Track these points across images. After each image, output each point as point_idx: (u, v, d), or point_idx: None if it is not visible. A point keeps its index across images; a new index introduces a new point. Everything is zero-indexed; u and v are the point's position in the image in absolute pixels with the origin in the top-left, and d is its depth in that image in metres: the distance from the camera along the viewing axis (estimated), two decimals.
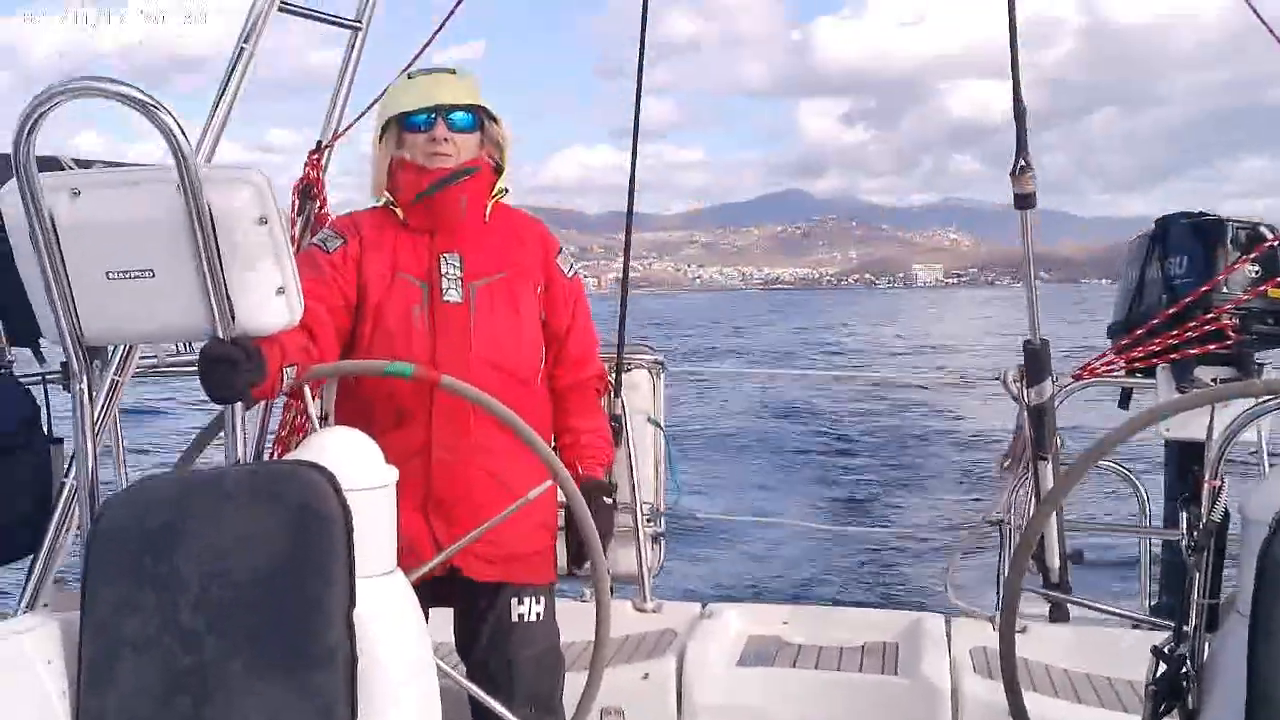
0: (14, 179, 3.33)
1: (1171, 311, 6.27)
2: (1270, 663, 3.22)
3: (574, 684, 4.51)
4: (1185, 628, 3.78)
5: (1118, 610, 5.72)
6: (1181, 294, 6.32)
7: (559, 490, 4.20)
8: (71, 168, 4.80)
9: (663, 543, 7.10)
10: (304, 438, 4.34)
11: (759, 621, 6.68)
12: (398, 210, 4.54)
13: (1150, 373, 6.43)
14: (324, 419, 4.08)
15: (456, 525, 4.32)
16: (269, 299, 3.52)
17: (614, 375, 6.43)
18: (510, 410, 4.00)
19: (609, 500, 4.69)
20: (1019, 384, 6.20)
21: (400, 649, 3.59)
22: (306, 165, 5.91)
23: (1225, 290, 6.20)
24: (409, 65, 5.11)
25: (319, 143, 5.97)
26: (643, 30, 6.85)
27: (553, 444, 4.65)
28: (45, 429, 5.37)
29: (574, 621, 4.93)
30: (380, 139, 4.56)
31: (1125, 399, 6.97)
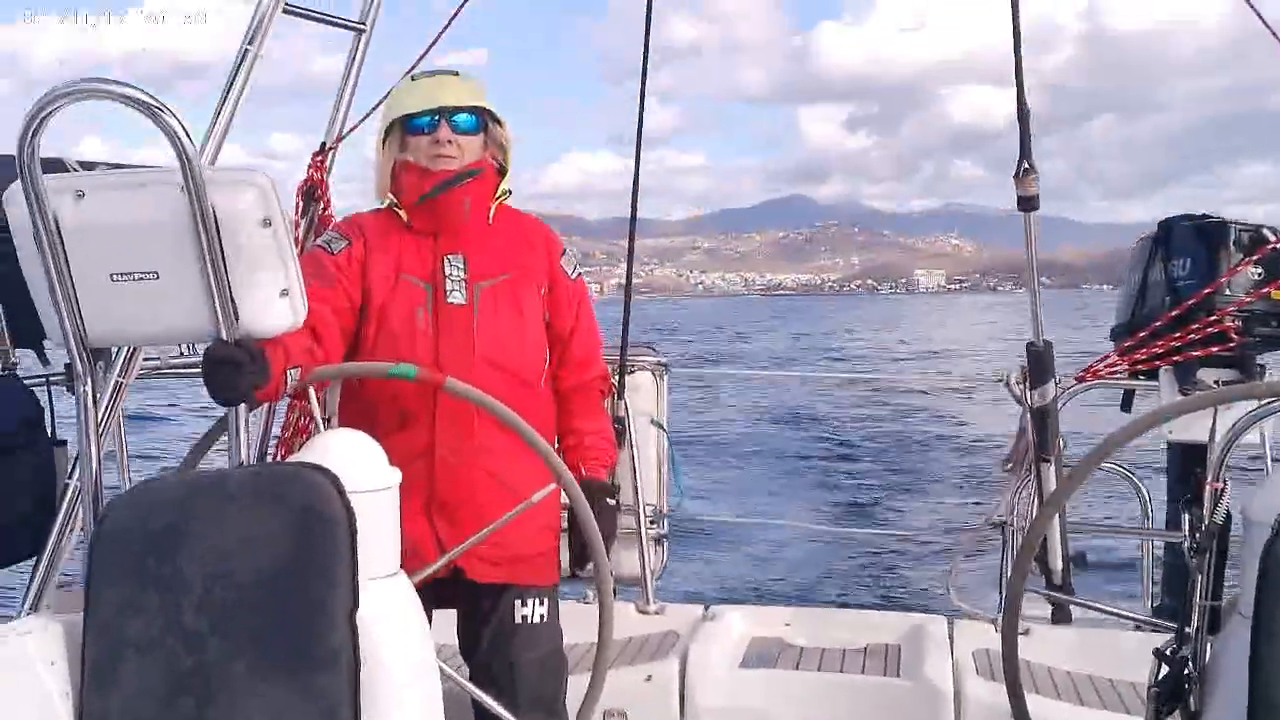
0: (19, 181, 3.33)
1: (1174, 314, 6.28)
2: (1272, 664, 3.22)
3: (577, 686, 4.52)
4: (1187, 629, 3.78)
5: (1120, 611, 5.72)
6: (1184, 296, 6.32)
7: (562, 492, 4.20)
8: (76, 170, 4.80)
9: (665, 545, 7.11)
10: (307, 439, 4.34)
11: (761, 623, 6.68)
12: (401, 212, 4.54)
13: (1153, 375, 6.44)
14: (328, 421, 4.08)
15: (460, 527, 4.32)
16: (273, 301, 3.52)
17: (617, 377, 6.43)
18: (514, 413, 4.00)
19: (612, 502, 4.69)
20: (1022, 386, 6.20)
21: (403, 651, 3.59)
22: (310, 167, 5.91)
23: (1228, 292, 6.21)
24: (412, 68, 5.12)
25: (323, 144, 5.97)
26: (646, 37, 6.87)
27: (556, 445, 4.65)
28: (49, 431, 5.38)
29: (577, 623, 4.92)
30: (384, 141, 4.56)
31: (1128, 401, 6.97)
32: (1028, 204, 5.83)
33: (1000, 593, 6.36)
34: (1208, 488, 3.87)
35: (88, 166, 5.03)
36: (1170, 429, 5.94)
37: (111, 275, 3.44)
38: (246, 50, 5.20)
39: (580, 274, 4.79)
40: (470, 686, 4.24)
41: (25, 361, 5.62)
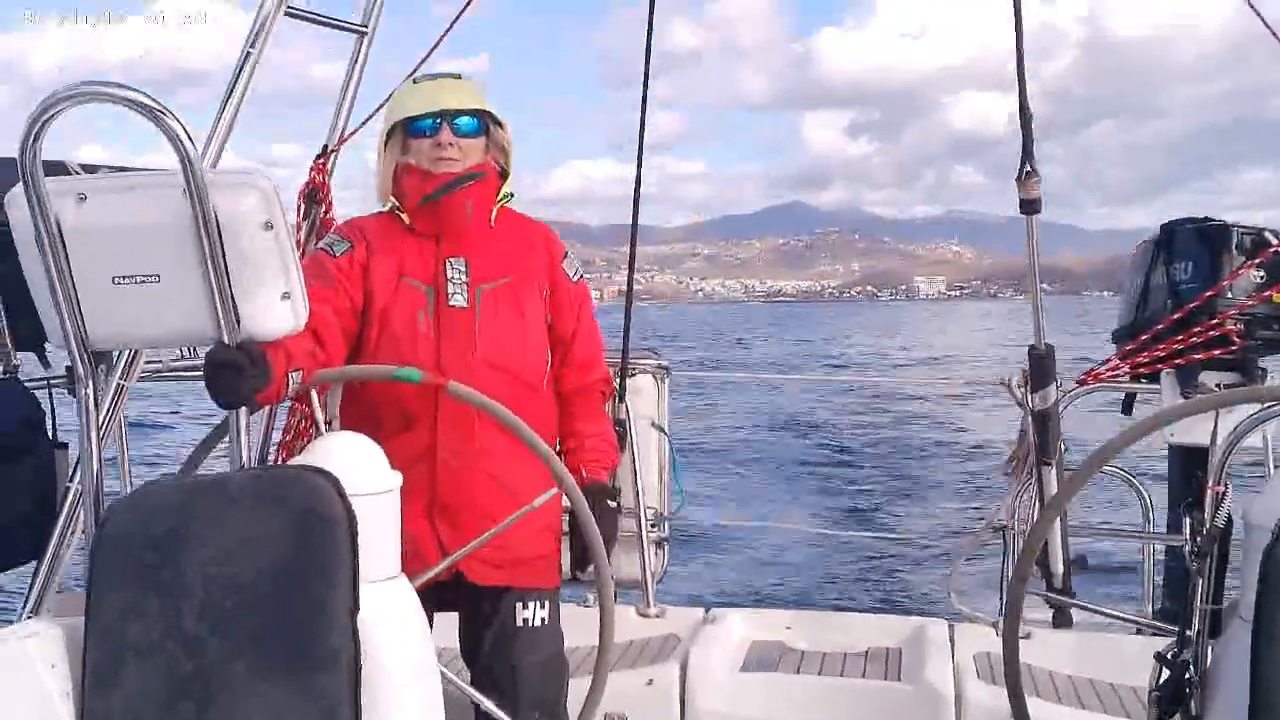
0: (21, 184, 3.33)
1: (1176, 317, 6.28)
2: (1273, 668, 3.22)
3: (577, 689, 4.51)
4: (1188, 633, 3.78)
5: (1121, 615, 5.72)
6: (1186, 299, 6.32)
7: (564, 495, 4.20)
8: (78, 173, 4.80)
9: (666, 548, 7.10)
10: (308, 442, 4.34)
11: (762, 627, 6.68)
12: (403, 215, 4.54)
13: (1154, 378, 6.43)
14: (329, 423, 4.09)
15: (461, 530, 4.32)
16: (274, 304, 3.52)
17: (618, 380, 6.43)
18: (516, 416, 4.00)
19: (613, 504, 4.69)
20: (1023, 389, 6.20)
21: (404, 654, 3.59)
22: (312, 170, 5.92)
23: (1230, 295, 6.20)
24: (413, 72, 5.12)
25: (325, 147, 5.98)
26: (648, 45, 6.87)
27: (557, 448, 4.65)
28: (50, 433, 5.38)
29: (577, 627, 4.92)
30: (385, 144, 4.56)
31: (1129, 404, 6.97)
32: (1030, 207, 5.83)
33: (1001, 596, 6.36)
34: (1209, 491, 3.87)
35: (89, 169, 5.03)
36: (1171, 432, 5.94)
37: (113, 278, 3.45)
38: (249, 53, 5.20)
39: (582, 276, 4.79)
40: (470, 690, 4.24)
41: (26, 364, 5.62)
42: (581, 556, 4.44)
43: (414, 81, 4.65)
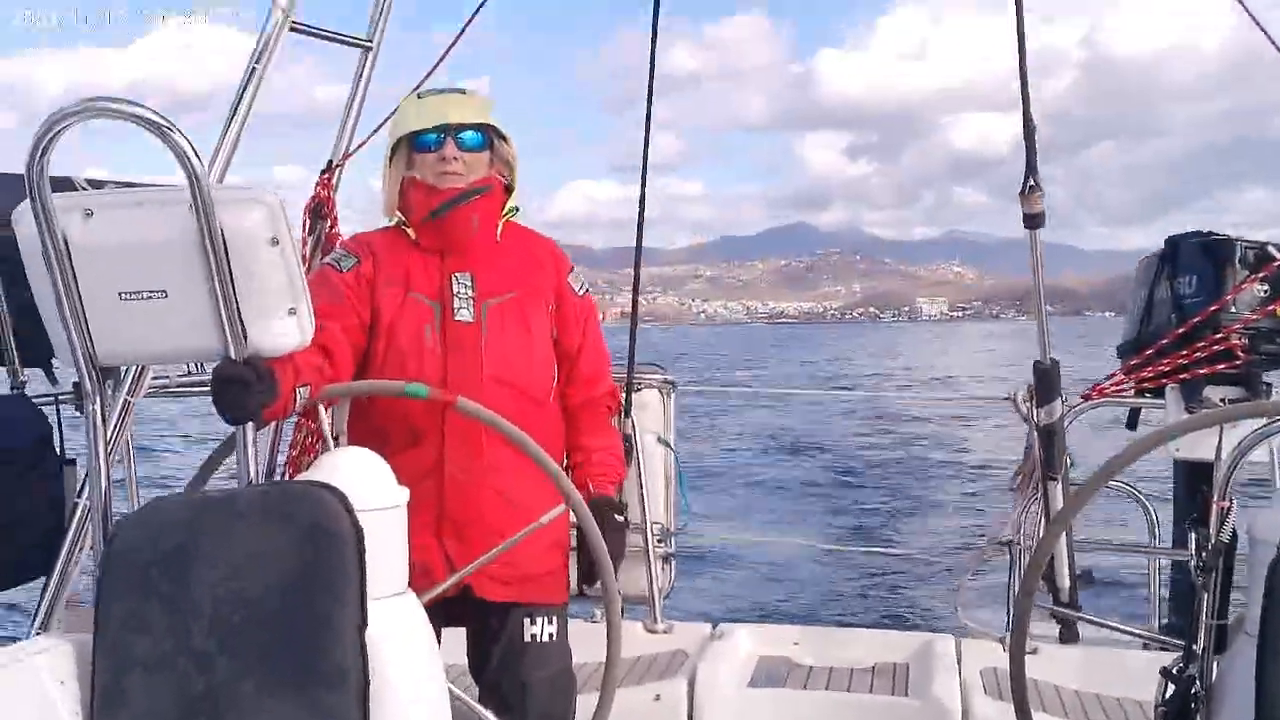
0: (28, 199, 3.34)
1: (1180, 331, 6.27)
2: (1278, 683, 3.23)
3: (584, 706, 4.51)
4: (1194, 648, 3.78)
5: (1127, 629, 5.72)
6: (1191, 313, 6.31)
7: (571, 511, 4.19)
8: (84, 188, 4.81)
9: (673, 563, 7.10)
10: (315, 458, 4.34)
11: (770, 642, 6.68)
12: (409, 230, 4.54)
13: (1159, 393, 6.43)
14: (336, 439, 4.09)
15: (469, 545, 4.32)
16: (281, 319, 3.52)
17: (624, 395, 6.43)
18: (523, 433, 4.00)
19: (620, 519, 4.68)
20: (1029, 404, 6.20)
21: (411, 670, 3.59)
22: (317, 185, 5.92)
23: (1234, 310, 6.20)
24: (416, 87, 5.13)
25: (330, 162, 5.98)
26: (651, 65, 6.88)
27: (564, 463, 4.65)
28: (58, 449, 5.38)
29: (584, 642, 4.91)
30: (390, 159, 4.56)
31: (1134, 419, 6.96)
32: (1033, 221, 5.83)
33: (1008, 611, 6.36)
34: (1214, 506, 3.87)
35: (96, 185, 5.04)
36: (1177, 447, 5.93)
37: (120, 294, 3.45)
38: (254, 69, 5.20)
39: (588, 290, 4.78)
40: (478, 706, 4.23)
41: (34, 381, 5.63)
42: (589, 572, 4.42)
43: (418, 96, 4.65)
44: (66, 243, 3.39)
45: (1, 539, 5.00)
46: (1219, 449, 4.08)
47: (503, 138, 4.61)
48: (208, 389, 3.54)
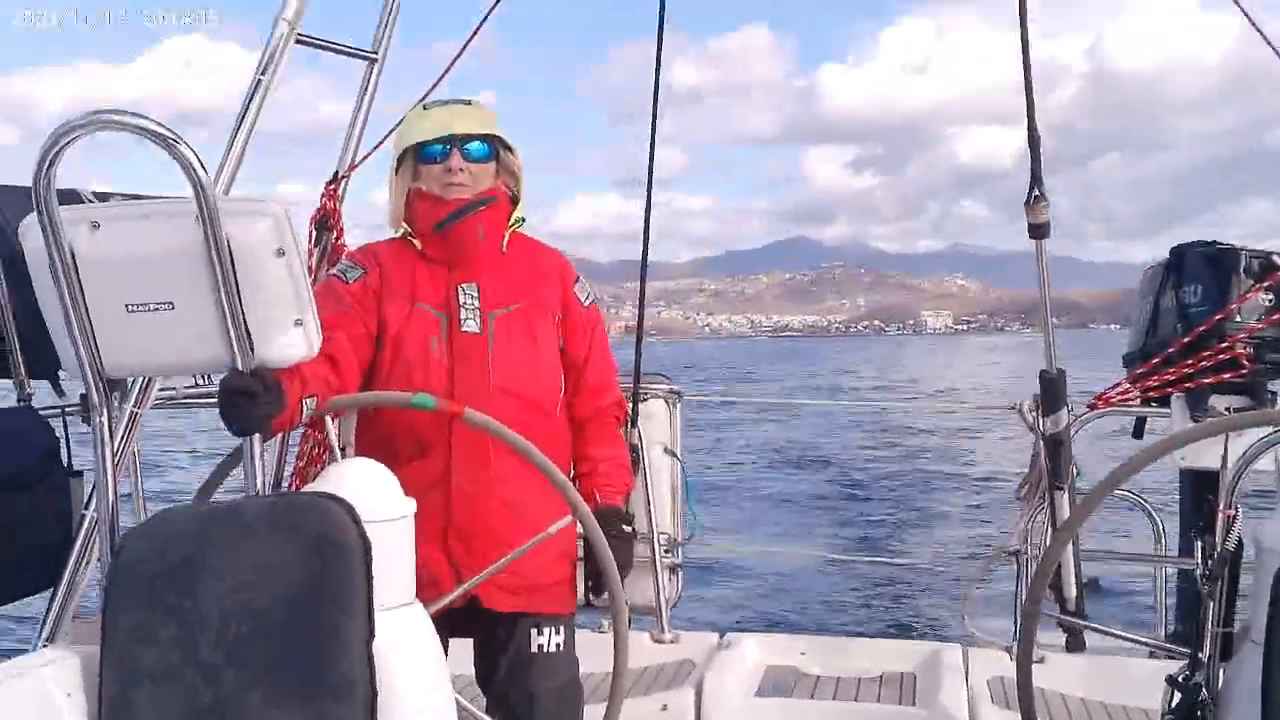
0: (34, 212, 3.34)
1: (1186, 340, 6.28)
2: None
3: (592, 716, 4.52)
4: (1200, 656, 3.78)
5: (1134, 637, 5.73)
6: (1196, 323, 6.32)
7: (578, 522, 4.19)
8: (91, 200, 4.82)
9: (680, 573, 7.10)
10: (321, 469, 4.34)
11: (777, 652, 6.68)
12: (415, 241, 4.54)
13: (1165, 402, 6.43)
14: (343, 450, 4.09)
15: (477, 556, 4.31)
16: (287, 331, 3.53)
17: (630, 405, 6.43)
18: (531, 444, 4.01)
19: (628, 529, 4.68)
20: (1035, 414, 6.20)
21: (419, 681, 3.59)
22: (323, 196, 5.93)
23: (1239, 319, 6.20)
24: (422, 99, 5.13)
25: (335, 173, 5.99)
26: (656, 80, 6.90)
27: (571, 474, 4.65)
28: (65, 461, 5.39)
29: (591, 653, 4.91)
30: (397, 170, 4.56)
31: (1140, 428, 6.97)
32: (1039, 231, 5.83)
33: (1015, 620, 6.36)
34: (1220, 515, 3.87)
35: (102, 197, 5.05)
36: (1182, 456, 5.93)
37: (127, 306, 3.45)
38: (259, 80, 5.20)
39: (594, 301, 4.78)
40: (486, 718, 4.23)
41: (40, 393, 5.63)
42: (596, 582, 4.43)
43: (424, 107, 4.66)
44: (73, 255, 3.39)
45: (9, 551, 5.00)
46: (1224, 458, 4.08)
47: (508, 148, 4.61)
48: (214, 400, 3.55)
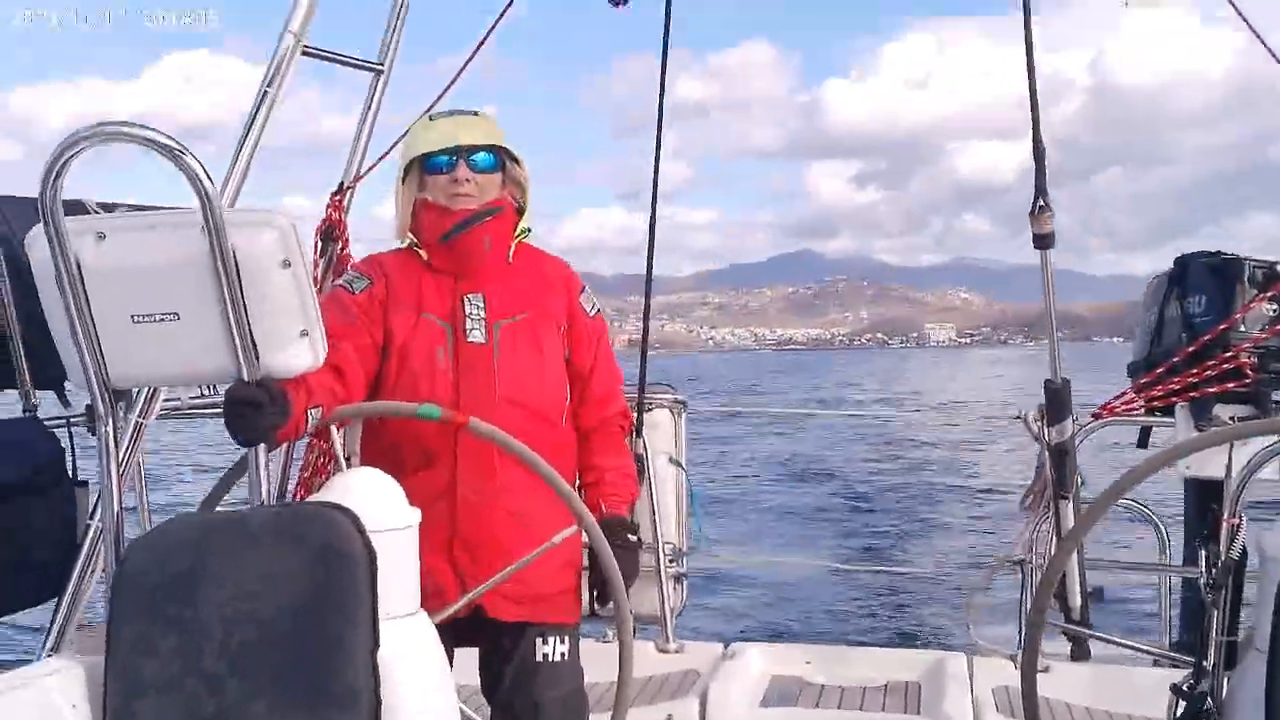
0: (40, 223, 3.35)
1: (1190, 350, 6.29)
2: None
3: None
4: (1204, 665, 3.79)
5: (1138, 646, 5.73)
6: (1200, 332, 6.33)
7: (584, 532, 4.20)
8: (96, 211, 4.82)
9: (685, 583, 7.10)
10: (327, 479, 4.35)
11: (781, 661, 6.67)
12: (421, 251, 4.54)
13: (1169, 411, 6.44)
14: (348, 460, 4.09)
15: (482, 566, 4.31)
16: (293, 341, 3.53)
17: (635, 415, 6.43)
18: (536, 454, 4.01)
19: (633, 539, 4.67)
20: (1040, 423, 6.21)
21: (424, 690, 3.60)
22: (328, 207, 5.92)
23: (1243, 329, 6.22)
24: (427, 110, 5.13)
25: (341, 184, 5.99)
26: (661, 94, 6.91)
27: (576, 483, 4.65)
28: (70, 472, 5.39)
29: (596, 662, 4.91)
30: (403, 180, 4.56)
31: (1144, 438, 6.97)
32: (1043, 241, 5.84)
33: (1020, 629, 6.36)
34: (1224, 523, 3.88)
35: (108, 208, 5.05)
36: (1187, 465, 5.94)
37: (132, 316, 3.46)
38: (265, 92, 5.19)
39: (599, 311, 4.78)
40: None
41: (45, 403, 5.64)
42: (601, 591, 4.42)
43: (430, 118, 4.66)
44: (79, 265, 3.40)
45: (14, 561, 5.00)
46: (1229, 467, 4.08)
47: (514, 159, 4.61)
48: (220, 411, 3.55)
